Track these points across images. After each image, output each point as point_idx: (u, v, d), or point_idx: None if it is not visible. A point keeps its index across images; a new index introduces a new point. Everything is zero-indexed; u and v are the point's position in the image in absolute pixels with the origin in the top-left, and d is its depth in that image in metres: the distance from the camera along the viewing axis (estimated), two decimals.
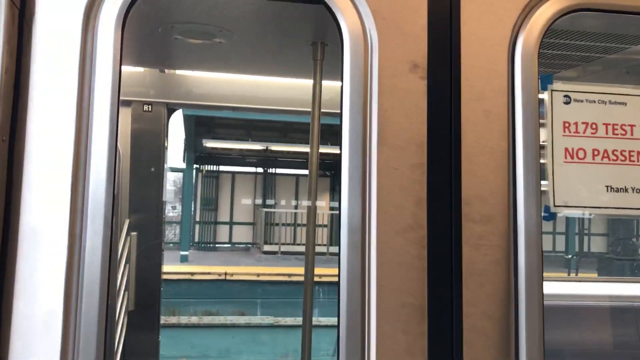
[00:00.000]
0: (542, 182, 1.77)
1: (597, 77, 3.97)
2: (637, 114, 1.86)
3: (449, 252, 1.70)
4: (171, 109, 6.15)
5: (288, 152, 21.28)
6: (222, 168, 24.97)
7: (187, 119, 17.61)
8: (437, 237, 1.70)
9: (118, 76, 1.63)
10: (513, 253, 1.73)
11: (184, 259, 19.57)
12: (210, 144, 20.51)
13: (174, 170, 24.18)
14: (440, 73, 1.75)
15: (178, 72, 5.93)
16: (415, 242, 1.68)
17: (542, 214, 1.77)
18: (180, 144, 21.42)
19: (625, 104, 1.86)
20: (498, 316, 1.68)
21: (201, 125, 19.19)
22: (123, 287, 5.64)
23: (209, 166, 24.72)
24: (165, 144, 6.24)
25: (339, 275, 1.65)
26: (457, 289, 1.68)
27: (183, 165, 22.46)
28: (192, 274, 16.01)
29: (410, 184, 1.70)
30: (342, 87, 1.71)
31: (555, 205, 1.80)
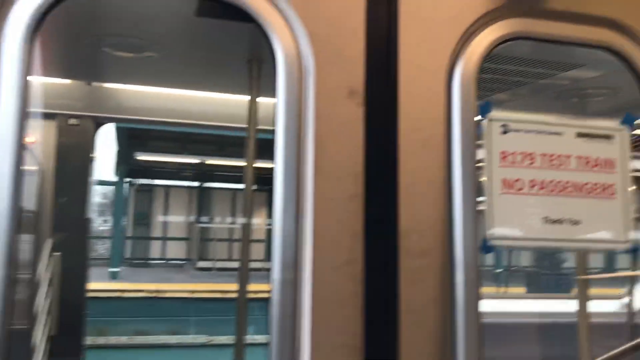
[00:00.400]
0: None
1: (528, 101, 4.06)
2: (572, 144, 1.85)
3: (386, 288, 1.62)
4: (100, 123, 5.88)
5: (225, 166, 20.96)
6: (156, 182, 24.33)
7: (119, 131, 17.06)
8: (373, 272, 1.61)
9: (25, 88, 1.47)
10: (450, 289, 1.67)
11: (114, 276, 18.90)
12: (143, 157, 19.94)
13: (104, 183, 23.39)
14: (378, 100, 1.68)
15: (108, 85, 5.67)
16: (351, 278, 1.59)
17: (480, 247, 1.73)
18: (113, 157, 20.74)
19: (561, 134, 1.85)
20: (438, 357, 1.61)
21: (134, 138, 18.63)
22: (46, 311, 5.32)
23: (142, 180, 24.02)
24: (93, 158, 5.96)
25: (270, 316, 1.54)
26: (393, 329, 1.60)
27: (115, 179, 21.73)
28: (123, 291, 15.46)
29: (347, 216, 1.61)
30: (275, 112, 1.61)
31: (493, 238, 1.76)
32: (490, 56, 2.55)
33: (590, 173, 1.86)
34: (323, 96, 1.63)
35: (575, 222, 1.82)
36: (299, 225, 1.58)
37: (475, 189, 1.71)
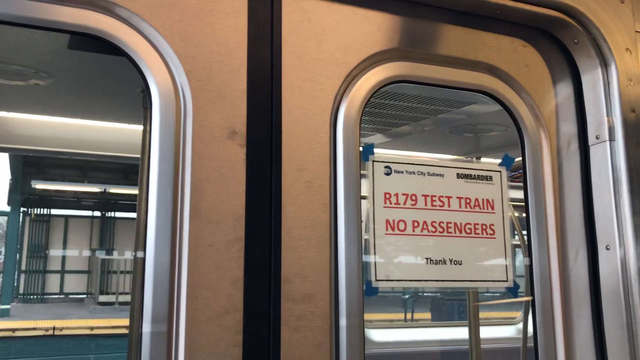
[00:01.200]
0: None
1: (424, 136, 4.20)
2: (453, 185, 1.89)
3: (267, 336, 1.56)
4: None
5: (129, 195, 20.19)
6: (54, 211, 23.01)
7: (12, 158, 16.04)
8: (254, 320, 1.55)
9: None
10: (334, 335, 1.63)
11: (4, 314, 17.58)
12: (39, 185, 18.85)
13: None
14: (260, 141, 1.64)
15: None
16: (230, 327, 1.51)
17: (364, 290, 1.71)
18: (5, 185, 19.51)
19: (443, 175, 1.88)
20: None
21: (30, 166, 17.60)
22: None
23: (38, 209, 22.65)
24: None
25: None
26: None
27: (7, 209, 20.37)
28: (14, 330, 14.38)
29: (227, 262, 1.54)
30: (149, 153, 1.53)
31: (377, 280, 1.74)
32: (385, 93, 2.61)
33: (471, 213, 1.90)
34: (202, 136, 1.57)
35: (457, 262, 1.84)
36: (173, 273, 1.49)
37: (359, 231, 1.70)
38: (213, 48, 1.62)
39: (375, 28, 1.84)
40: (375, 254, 1.76)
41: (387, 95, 3.06)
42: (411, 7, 1.89)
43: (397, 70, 1.86)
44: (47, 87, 3.54)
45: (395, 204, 1.81)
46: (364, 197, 1.75)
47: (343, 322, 1.64)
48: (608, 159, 1.99)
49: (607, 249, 1.96)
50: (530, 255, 1.95)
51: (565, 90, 2.11)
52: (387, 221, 1.79)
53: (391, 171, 1.82)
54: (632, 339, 1.87)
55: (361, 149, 1.78)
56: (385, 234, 1.78)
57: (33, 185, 18.68)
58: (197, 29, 1.61)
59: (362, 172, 1.80)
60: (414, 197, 1.83)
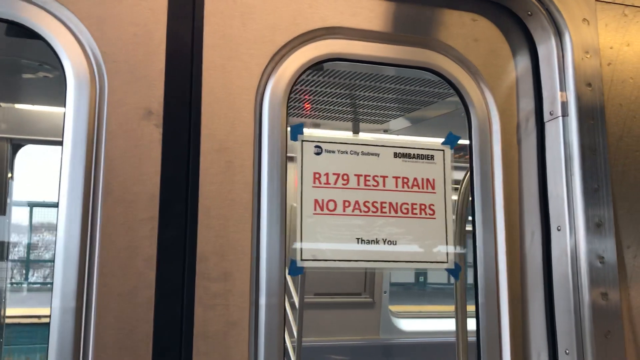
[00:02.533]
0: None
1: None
2: (388, 165, 1.85)
3: (180, 313, 1.57)
4: (17, 145, 5.74)
5: None
6: None
7: None
8: (166, 297, 1.56)
9: None
10: (254, 312, 1.63)
11: None
12: None
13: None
14: (177, 121, 1.65)
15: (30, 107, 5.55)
16: (140, 304, 1.54)
17: (288, 269, 1.70)
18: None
19: (378, 154, 1.84)
20: None
21: None
22: None
23: None
24: (9, 180, 5.80)
25: (49, 346, 1.48)
26: (187, 354, 1.55)
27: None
28: None
29: (139, 240, 1.56)
30: (63, 132, 1.57)
31: (302, 259, 1.73)
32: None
33: (408, 193, 1.85)
34: (117, 117, 1.59)
35: (392, 242, 1.80)
36: (84, 251, 1.52)
37: (283, 210, 1.69)
38: (130, 29, 1.64)
39: (307, 5, 1.81)
40: (301, 233, 1.74)
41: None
42: None
43: (329, 48, 1.83)
44: None
45: (325, 183, 1.78)
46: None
47: (262, 300, 1.64)
48: (561, 135, 1.88)
49: (559, 230, 1.86)
50: (474, 238, 1.88)
51: (522, 64, 2.01)
52: (316, 201, 1.77)
53: (322, 151, 1.80)
54: (579, 323, 1.78)
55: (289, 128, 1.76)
56: (314, 213, 1.76)
57: None
58: (115, 12, 1.63)
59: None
60: (345, 177, 1.80)
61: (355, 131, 5.18)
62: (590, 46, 1.91)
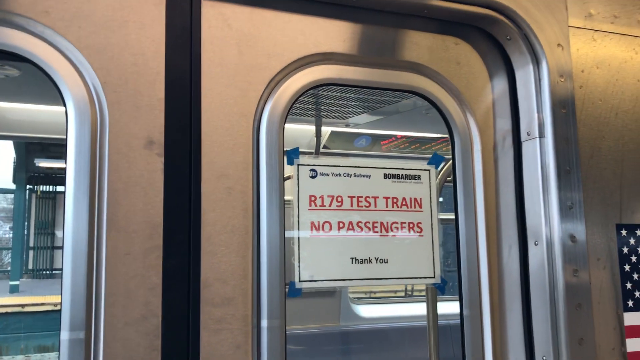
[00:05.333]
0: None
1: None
2: (380, 185, 1.93)
3: (186, 339, 1.62)
4: None
5: None
6: (60, 188, 23.22)
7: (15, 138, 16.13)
8: (172, 324, 1.61)
9: None
10: (256, 335, 1.69)
11: (14, 290, 17.91)
12: (43, 163, 18.97)
13: (3, 191, 22.12)
14: (178, 149, 1.67)
15: None
16: (148, 332, 1.57)
17: (287, 291, 1.76)
18: (10, 165, 19.72)
19: (370, 176, 1.91)
20: None
21: (33, 144, 17.69)
22: None
23: (44, 187, 22.86)
24: None
25: None
26: None
27: (13, 187, 20.58)
28: (23, 305, 14.66)
29: (144, 269, 1.59)
30: (65, 163, 1.57)
31: (300, 281, 1.80)
32: None
33: (398, 213, 1.94)
34: (119, 147, 1.61)
35: (383, 261, 1.89)
36: (91, 282, 1.54)
37: (281, 235, 1.74)
38: (129, 59, 1.64)
39: (299, 32, 1.85)
40: (299, 255, 1.81)
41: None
42: (336, 10, 1.90)
43: (322, 73, 1.88)
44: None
45: (320, 206, 1.85)
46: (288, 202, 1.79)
47: (264, 323, 1.70)
48: (538, 155, 2.01)
49: (536, 245, 1.99)
50: (458, 251, 1.99)
51: (500, 86, 2.12)
52: (312, 223, 1.83)
53: (317, 174, 1.86)
54: (555, 331, 1.92)
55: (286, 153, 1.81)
56: (310, 235, 1.82)
57: (37, 164, 18.82)
58: (112, 41, 1.64)
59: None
60: (339, 199, 1.87)
61: (318, 125, 5.27)
62: (564, 70, 2.04)
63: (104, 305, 1.54)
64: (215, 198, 1.69)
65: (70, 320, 1.52)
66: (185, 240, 1.65)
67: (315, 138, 5.34)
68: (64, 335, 1.51)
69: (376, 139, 6.31)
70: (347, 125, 5.63)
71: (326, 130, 5.80)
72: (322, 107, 4.22)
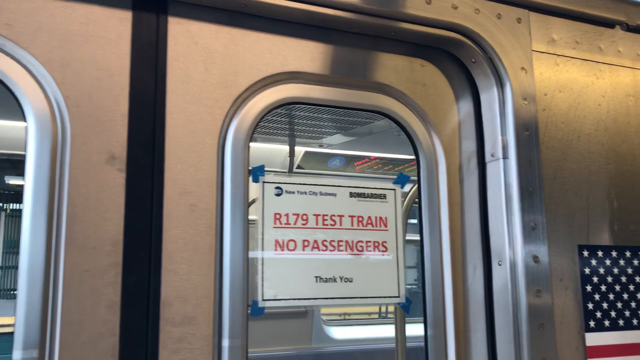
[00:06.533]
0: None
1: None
2: (345, 204, 1.93)
3: (144, 358, 1.58)
4: None
5: None
6: None
7: None
8: (130, 343, 1.57)
9: None
10: (217, 355, 1.66)
11: None
12: (14, 180, 18.69)
13: None
14: (141, 165, 1.66)
15: None
16: (105, 351, 1.54)
17: (249, 310, 1.74)
18: None
19: (335, 194, 1.92)
20: None
21: (2, 161, 17.42)
22: None
23: (14, 205, 22.46)
24: None
25: None
26: None
27: None
28: None
29: (103, 286, 1.56)
30: (24, 177, 1.54)
31: (263, 300, 1.78)
32: None
33: (363, 231, 1.94)
34: (80, 162, 1.59)
35: (348, 280, 1.88)
36: (47, 299, 1.51)
37: (245, 253, 1.73)
38: (93, 74, 1.63)
39: (267, 51, 1.86)
40: (263, 274, 1.79)
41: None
42: (304, 30, 1.92)
43: (289, 92, 1.89)
44: None
45: (285, 224, 1.84)
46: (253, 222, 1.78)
47: (225, 343, 1.67)
48: (502, 176, 2.03)
49: (500, 265, 2.01)
50: (423, 271, 1.99)
51: (465, 108, 2.15)
52: (277, 241, 1.82)
53: (282, 192, 1.85)
54: (518, 354, 1.93)
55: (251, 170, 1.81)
56: (275, 254, 1.81)
57: (7, 181, 18.50)
58: (77, 56, 1.62)
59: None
60: (304, 217, 1.86)
61: (292, 145, 5.28)
62: (528, 93, 2.08)
63: (59, 323, 1.51)
64: (177, 215, 1.67)
65: (24, 339, 1.48)
66: (146, 257, 1.63)
67: (289, 158, 5.35)
68: (17, 354, 1.47)
69: (350, 159, 6.35)
70: (321, 146, 5.66)
71: (300, 150, 5.83)
72: (296, 127, 4.25)
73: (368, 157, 6.07)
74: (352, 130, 4.52)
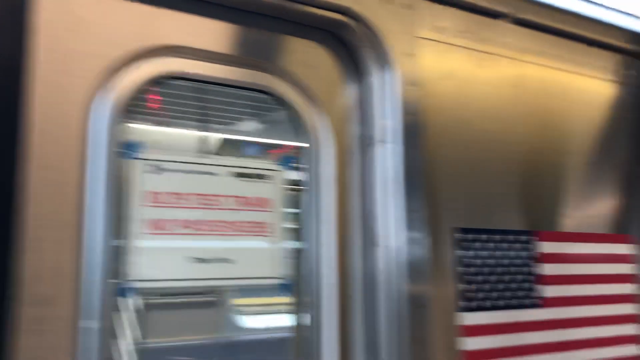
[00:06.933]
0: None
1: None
2: (226, 184, 1.89)
3: (0, 340, 1.49)
4: None
5: None
6: None
7: None
8: None
9: None
10: (78, 336, 1.59)
11: None
12: None
13: None
14: (3, 138, 1.54)
15: None
16: None
17: (117, 291, 1.67)
18: None
19: (216, 174, 1.87)
20: None
21: None
22: None
23: None
24: None
25: None
26: None
27: None
28: None
29: None
30: None
31: (134, 280, 1.71)
32: None
33: (244, 212, 1.91)
34: None
35: (226, 261, 1.85)
36: None
37: (110, 231, 1.66)
38: None
39: (147, 22, 1.79)
40: (133, 254, 1.73)
41: None
42: (189, 4, 1.86)
43: (171, 66, 1.83)
44: None
45: (160, 202, 1.78)
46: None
47: (87, 324, 1.60)
48: (385, 160, 2.05)
49: (380, 248, 2.03)
50: (304, 254, 1.99)
51: (353, 91, 2.16)
52: (151, 221, 1.76)
53: (157, 169, 1.79)
54: (397, 335, 1.96)
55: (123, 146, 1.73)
56: (147, 234, 1.75)
57: None
58: None
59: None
60: (181, 196, 1.81)
61: (203, 130, 5.16)
62: (413, 79, 2.11)
63: None
64: (39, 191, 1.58)
65: None
66: (4, 234, 1.53)
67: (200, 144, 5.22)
68: None
69: (266, 147, 6.32)
70: (236, 133, 5.57)
71: (216, 137, 5.72)
72: (208, 112, 4.15)
73: (283, 145, 6.05)
74: (267, 117, 4.48)
